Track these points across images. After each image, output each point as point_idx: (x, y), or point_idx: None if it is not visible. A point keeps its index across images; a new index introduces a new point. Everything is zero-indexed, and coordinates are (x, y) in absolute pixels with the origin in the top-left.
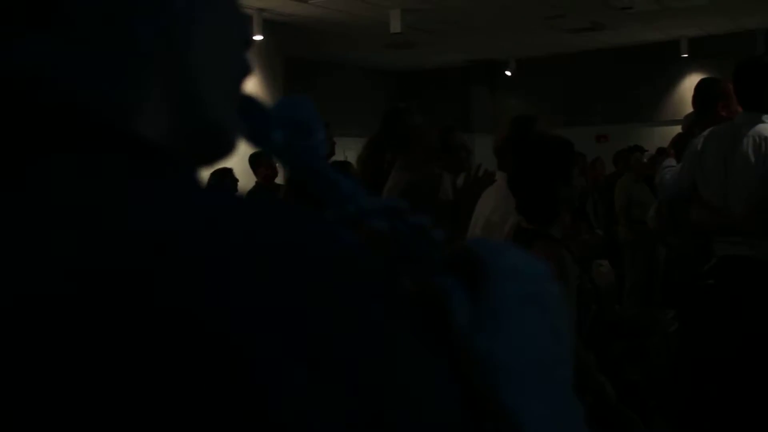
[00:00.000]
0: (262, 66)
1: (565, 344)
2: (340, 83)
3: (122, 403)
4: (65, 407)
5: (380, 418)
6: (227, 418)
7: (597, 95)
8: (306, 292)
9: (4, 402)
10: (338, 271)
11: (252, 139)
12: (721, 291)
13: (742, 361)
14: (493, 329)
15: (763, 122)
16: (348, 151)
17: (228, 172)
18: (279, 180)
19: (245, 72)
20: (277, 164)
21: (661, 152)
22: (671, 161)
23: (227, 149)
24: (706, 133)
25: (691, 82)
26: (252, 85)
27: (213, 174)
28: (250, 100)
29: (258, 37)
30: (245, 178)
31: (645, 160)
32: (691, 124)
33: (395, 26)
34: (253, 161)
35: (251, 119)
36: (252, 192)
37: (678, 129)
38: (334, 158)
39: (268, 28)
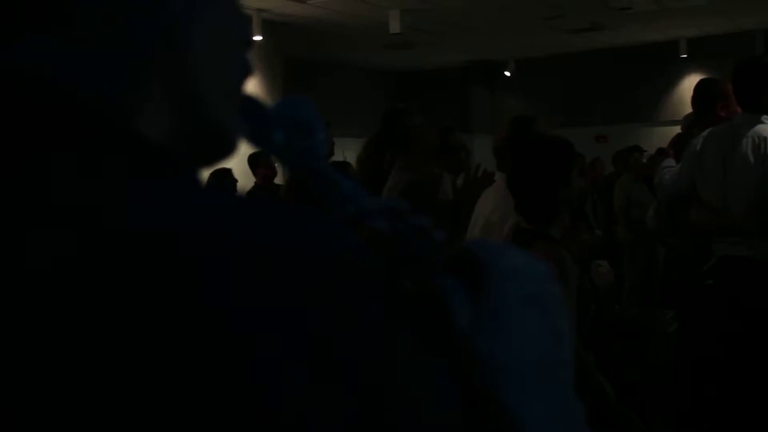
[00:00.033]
0: (261, 66)
1: (565, 345)
2: (340, 84)
3: (122, 403)
4: (65, 407)
5: (380, 418)
6: (227, 418)
7: (596, 95)
8: (306, 292)
9: (4, 402)
10: (338, 271)
11: (253, 140)
12: (720, 291)
13: (741, 361)
14: (494, 330)
15: (762, 123)
16: (347, 151)
17: (227, 172)
18: (278, 180)
19: (246, 72)
20: (276, 164)
21: (661, 152)
22: (670, 161)
23: (228, 150)
24: (705, 133)
25: (690, 82)
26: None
27: (212, 174)
28: (250, 100)
29: (257, 38)
30: (244, 179)
31: (644, 160)
32: (691, 125)
33: (394, 27)
34: (252, 162)
35: (252, 119)
36: (251, 192)
37: (677, 129)
38: (333, 158)
39: (267, 28)
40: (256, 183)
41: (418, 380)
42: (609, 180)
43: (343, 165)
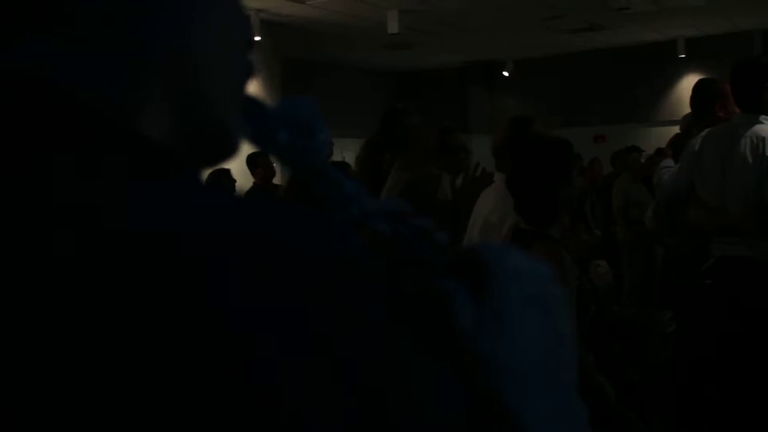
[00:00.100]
0: (259, 67)
1: (568, 346)
2: (338, 84)
3: (122, 403)
4: (64, 407)
5: (381, 419)
6: (226, 418)
7: (595, 96)
8: (306, 292)
9: (4, 402)
10: (339, 271)
11: (255, 140)
12: (719, 291)
13: (739, 361)
14: (497, 331)
15: (760, 123)
16: (346, 151)
17: (225, 172)
18: (276, 181)
19: (248, 73)
20: (274, 165)
21: (659, 153)
22: (669, 162)
23: (230, 150)
24: (703, 133)
25: (688, 82)
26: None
27: (210, 175)
28: (252, 100)
29: (256, 38)
30: (243, 179)
31: (643, 160)
32: (689, 125)
33: (393, 27)
34: (251, 162)
35: (254, 120)
36: (249, 193)
37: (675, 129)
38: (331, 159)
39: (265, 28)
40: (254, 183)
41: (420, 381)
42: (607, 180)
43: (342, 165)
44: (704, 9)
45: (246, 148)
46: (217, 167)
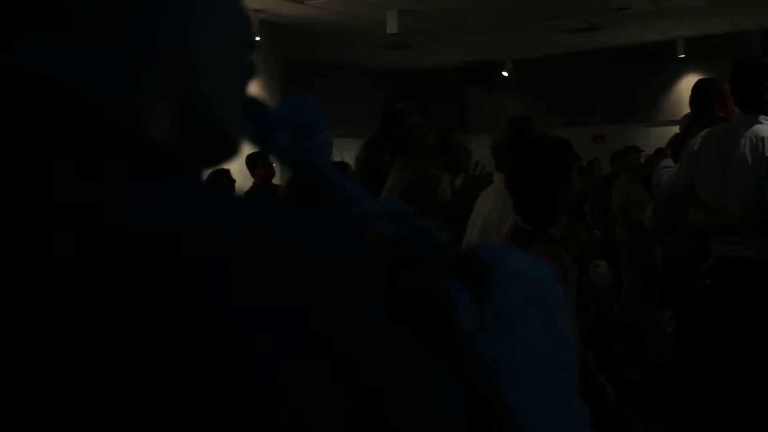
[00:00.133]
0: (259, 67)
1: (569, 347)
2: (337, 84)
3: (121, 403)
4: (64, 407)
5: (381, 419)
6: (226, 418)
7: (594, 96)
8: (306, 292)
9: (4, 402)
10: (339, 271)
11: (255, 141)
12: (719, 291)
13: (739, 361)
14: (498, 332)
15: (759, 123)
16: (345, 151)
17: (225, 173)
18: (276, 181)
19: (250, 73)
20: (274, 165)
21: (659, 153)
22: (668, 162)
23: (231, 150)
24: (703, 133)
25: (687, 82)
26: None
27: (210, 175)
28: (253, 101)
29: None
30: (242, 179)
31: (643, 160)
32: (688, 125)
33: (392, 27)
34: (250, 162)
35: (255, 120)
36: (249, 193)
37: (675, 129)
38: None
39: (265, 29)
40: (254, 183)
41: (421, 381)
42: (607, 180)
43: (342, 166)
44: (703, 9)
45: (246, 149)
46: (216, 167)
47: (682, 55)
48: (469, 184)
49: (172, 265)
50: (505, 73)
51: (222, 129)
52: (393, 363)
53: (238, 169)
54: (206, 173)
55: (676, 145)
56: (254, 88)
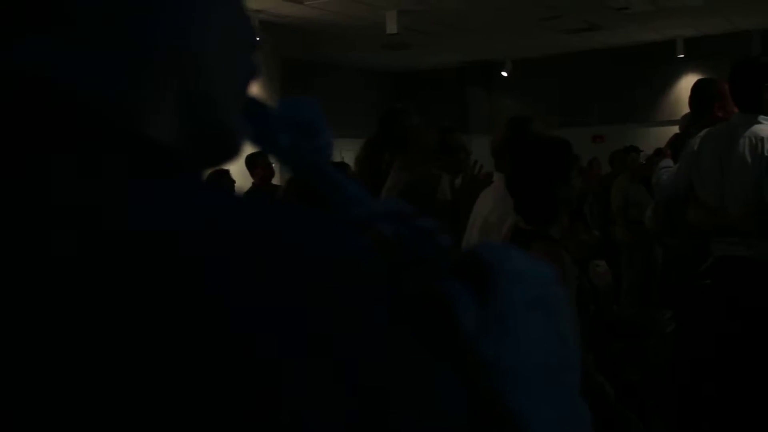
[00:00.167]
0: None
1: (571, 348)
2: (336, 84)
3: (121, 403)
4: (65, 407)
5: (382, 419)
6: (225, 418)
7: (593, 96)
8: (306, 293)
9: (4, 402)
10: (339, 271)
11: (257, 141)
12: (718, 291)
13: (739, 361)
14: (500, 333)
15: (759, 123)
16: (344, 152)
17: (224, 173)
18: (275, 181)
19: (252, 74)
20: (273, 165)
21: (658, 153)
22: (668, 162)
23: (233, 151)
24: (702, 133)
25: (687, 82)
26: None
27: (209, 175)
28: (254, 101)
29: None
30: (242, 180)
31: (643, 161)
32: (688, 125)
33: (391, 27)
34: (250, 162)
35: (256, 121)
36: (249, 193)
37: (674, 129)
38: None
39: (264, 29)
40: (253, 184)
41: (422, 382)
42: (606, 180)
43: (341, 166)
44: (703, 9)
45: (245, 149)
46: (216, 168)
47: (682, 55)
48: (469, 184)
49: (172, 265)
50: (504, 73)
51: (223, 129)
52: (394, 363)
53: (237, 169)
54: (206, 173)
55: (676, 145)
56: (253, 89)
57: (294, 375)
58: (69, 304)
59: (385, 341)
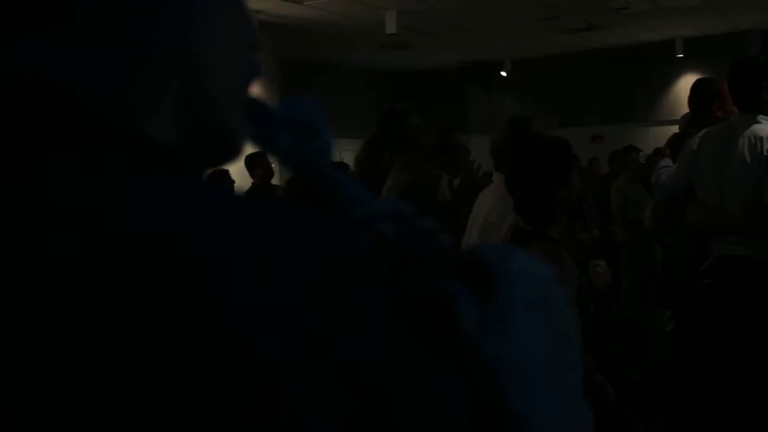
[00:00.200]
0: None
1: (572, 347)
2: (336, 84)
3: (121, 402)
4: (65, 407)
5: (382, 418)
6: (225, 418)
7: (592, 95)
8: (305, 293)
9: (4, 402)
10: (339, 271)
11: (258, 141)
12: (718, 290)
13: (738, 361)
14: (500, 333)
15: (758, 122)
16: (344, 152)
17: (224, 173)
18: (275, 181)
19: (254, 74)
20: (273, 165)
21: (658, 152)
22: (667, 161)
23: (235, 151)
24: (701, 133)
25: (686, 82)
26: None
27: (208, 175)
28: (255, 102)
29: None
30: (241, 180)
31: (643, 161)
32: (687, 125)
33: (391, 27)
34: (249, 163)
35: (257, 121)
36: (249, 193)
37: (673, 129)
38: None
39: (263, 29)
40: (253, 184)
41: (423, 381)
42: (605, 180)
43: (341, 166)
44: (702, 8)
45: (246, 149)
46: (216, 168)
47: (681, 55)
48: (467, 184)
49: (172, 266)
50: (503, 73)
51: (223, 129)
52: (394, 363)
53: (237, 169)
54: (206, 174)
55: (675, 144)
56: (253, 89)
57: (294, 375)
58: (69, 304)
59: (385, 341)
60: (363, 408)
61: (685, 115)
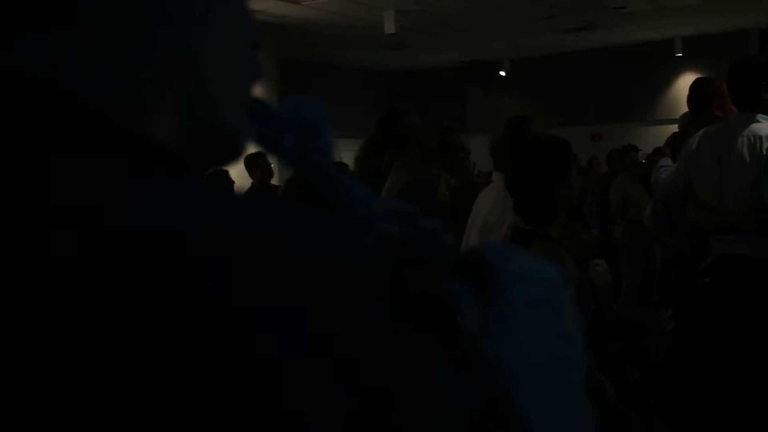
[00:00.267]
0: None
1: (575, 347)
2: (335, 84)
3: (121, 402)
4: (65, 407)
5: (383, 418)
6: (226, 418)
7: (591, 95)
8: (306, 293)
9: (4, 402)
10: (339, 271)
11: (260, 142)
12: (718, 289)
13: (738, 359)
14: (502, 333)
15: (757, 121)
16: (343, 152)
17: (223, 174)
18: (274, 181)
19: (254, 74)
20: (272, 166)
21: (657, 152)
22: (667, 161)
23: (236, 151)
24: (700, 132)
25: (685, 81)
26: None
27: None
28: (257, 102)
29: None
30: (241, 180)
31: (643, 160)
32: (686, 124)
33: (389, 27)
34: (249, 163)
35: (259, 121)
36: (249, 193)
37: (672, 128)
38: None
39: (261, 29)
40: (252, 184)
41: (424, 382)
42: (605, 179)
43: (340, 166)
44: (701, 7)
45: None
46: (216, 168)
47: (680, 54)
48: (464, 183)
49: (172, 266)
50: (502, 73)
51: (224, 129)
52: (395, 363)
53: (236, 169)
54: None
55: (675, 144)
56: (253, 89)
57: (294, 375)
58: (69, 304)
59: (385, 341)
60: (363, 408)
61: (685, 115)
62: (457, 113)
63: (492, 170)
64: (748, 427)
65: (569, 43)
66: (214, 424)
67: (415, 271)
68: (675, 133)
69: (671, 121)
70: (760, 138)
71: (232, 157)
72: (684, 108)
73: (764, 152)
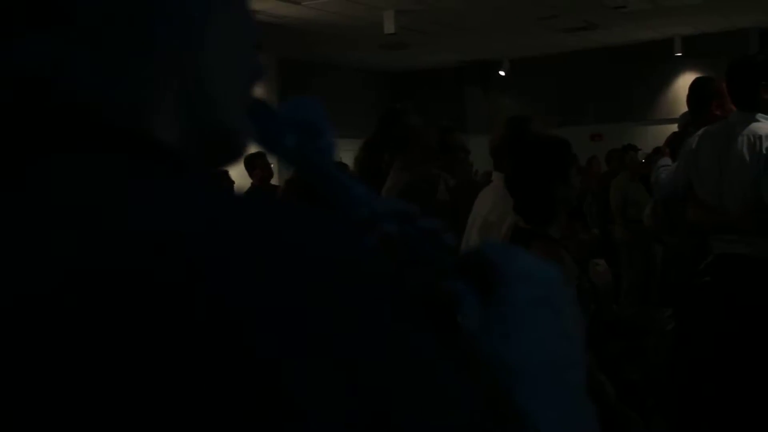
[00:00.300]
0: None
1: (576, 347)
2: (335, 84)
3: (121, 402)
4: (65, 407)
5: (383, 418)
6: (226, 418)
7: (591, 94)
8: (306, 292)
9: (4, 402)
10: (339, 271)
11: (261, 142)
12: (718, 289)
13: (738, 359)
14: (503, 333)
15: (757, 121)
16: (343, 152)
17: (223, 174)
18: (274, 182)
19: (256, 75)
20: (272, 166)
21: (657, 151)
22: (666, 160)
23: (237, 151)
24: (700, 132)
25: (684, 80)
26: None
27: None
28: (258, 102)
29: None
30: (240, 181)
31: (643, 160)
32: (686, 123)
33: (389, 27)
34: (249, 163)
35: (260, 122)
36: (249, 193)
37: (672, 128)
38: None
39: (261, 29)
40: (252, 184)
41: (425, 381)
42: (605, 179)
43: (340, 166)
44: (701, 7)
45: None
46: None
47: (679, 54)
48: (463, 183)
49: (173, 265)
50: (502, 73)
51: (224, 129)
52: (395, 363)
53: (236, 170)
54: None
55: (674, 143)
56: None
57: (294, 375)
58: (69, 304)
59: (386, 341)
60: (363, 408)
61: (684, 114)
62: (456, 113)
63: (492, 170)
64: (748, 427)
65: (569, 43)
66: (215, 424)
67: (415, 271)
68: (675, 133)
69: (671, 121)
70: (760, 137)
71: (233, 157)
72: (684, 107)
73: (764, 151)
